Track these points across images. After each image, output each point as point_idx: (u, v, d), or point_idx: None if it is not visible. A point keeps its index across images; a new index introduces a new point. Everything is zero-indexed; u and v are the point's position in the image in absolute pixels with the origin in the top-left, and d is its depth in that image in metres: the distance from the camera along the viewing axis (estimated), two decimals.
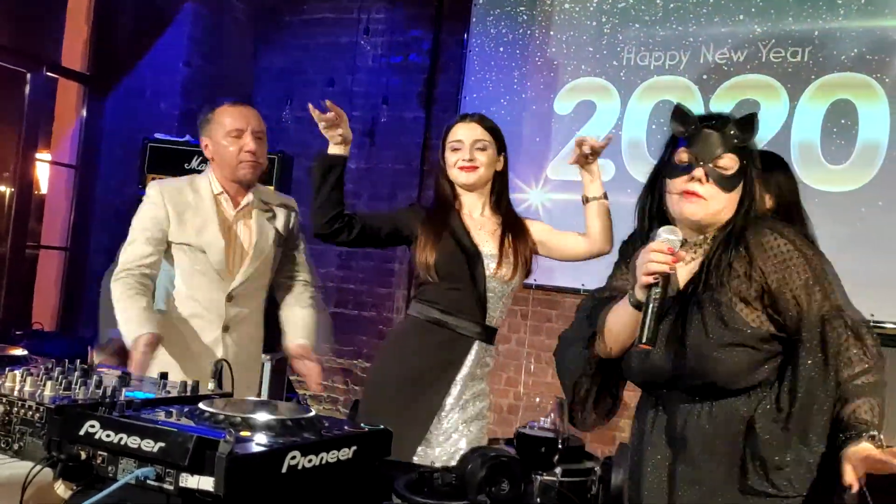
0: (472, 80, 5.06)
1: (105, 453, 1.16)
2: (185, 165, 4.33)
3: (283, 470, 1.17)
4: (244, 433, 1.21)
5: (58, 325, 5.21)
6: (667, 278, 1.54)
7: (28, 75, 4.80)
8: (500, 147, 2.40)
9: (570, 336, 1.77)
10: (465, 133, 2.35)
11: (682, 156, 1.65)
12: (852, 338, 1.53)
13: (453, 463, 2.01)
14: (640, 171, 4.47)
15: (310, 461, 1.22)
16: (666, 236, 1.57)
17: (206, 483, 1.09)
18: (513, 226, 2.37)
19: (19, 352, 1.65)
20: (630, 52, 4.61)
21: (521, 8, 4.94)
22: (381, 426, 1.41)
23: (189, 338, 2.40)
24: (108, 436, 1.15)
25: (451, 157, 2.34)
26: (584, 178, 2.31)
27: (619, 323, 1.65)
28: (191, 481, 1.10)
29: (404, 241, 2.41)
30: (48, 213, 5.29)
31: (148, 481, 1.12)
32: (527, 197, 4.62)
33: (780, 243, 1.60)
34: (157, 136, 4.47)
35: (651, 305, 1.51)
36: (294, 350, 2.50)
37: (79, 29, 5.21)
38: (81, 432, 1.17)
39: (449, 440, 2.20)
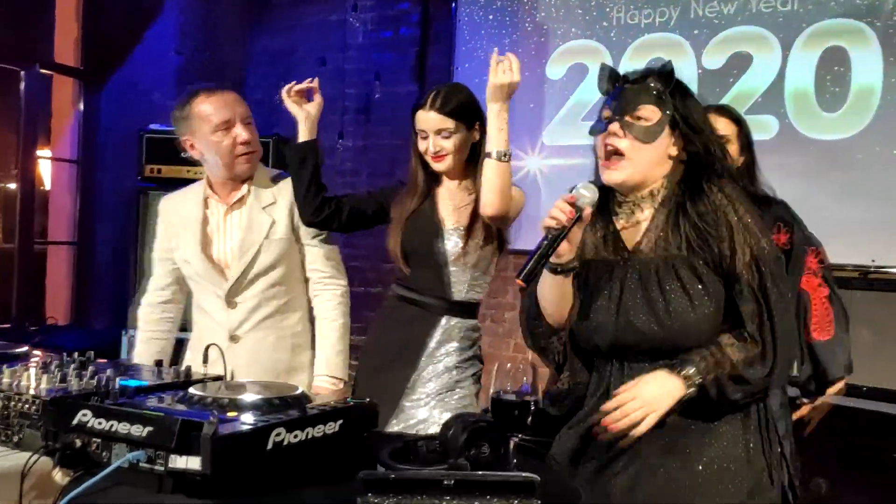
0: (463, 50, 5.05)
1: (98, 440, 1.21)
2: (182, 154, 4.37)
3: (269, 447, 1.22)
4: (231, 413, 1.26)
5: (71, 319, 5.30)
6: (563, 230, 1.53)
7: (22, 73, 4.85)
8: (471, 122, 2.27)
9: (525, 308, 1.77)
10: (426, 124, 2.24)
11: (605, 112, 1.66)
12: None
13: (432, 431, 2.06)
14: None
15: (295, 437, 1.27)
16: (579, 191, 1.56)
17: (193, 463, 1.14)
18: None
19: (19, 349, 1.71)
20: (619, 11, 4.58)
21: None
22: (367, 399, 1.46)
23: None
24: (100, 423, 1.20)
25: (420, 144, 2.27)
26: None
27: (545, 291, 1.67)
28: (179, 462, 1.15)
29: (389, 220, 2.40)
30: (53, 209, 5.36)
31: (140, 464, 1.17)
32: (524, 164, 4.63)
33: (717, 195, 1.61)
34: (153, 126, 4.50)
35: (540, 250, 1.52)
36: (314, 389, 2.26)
37: (69, 24, 5.24)
38: (75, 421, 1.22)
39: (421, 410, 2.22)
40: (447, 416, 2.09)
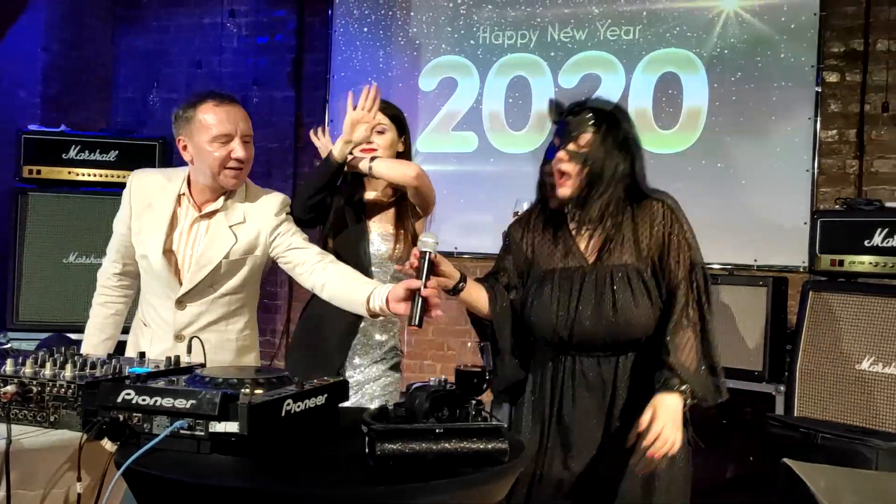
0: (339, 60, 5.34)
1: (140, 414, 1.46)
2: (63, 156, 4.40)
3: (283, 414, 1.52)
4: (244, 390, 1.55)
5: None
6: (421, 272, 1.86)
7: None
8: (402, 131, 2.62)
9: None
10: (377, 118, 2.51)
11: (555, 140, 2.02)
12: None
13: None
14: (500, 142, 4.97)
15: (299, 406, 1.57)
16: (421, 240, 1.91)
17: (232, 427, 1.42)
18: (402, 204, 2.63)
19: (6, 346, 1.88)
20: (485, 31, 5.05)
21: None
22: (342, 378, 1.78)
23: (151, 341, 2.34)
24: (143, 400, 1.45)
25: None
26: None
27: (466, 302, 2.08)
28: (219, 427, 1.43)
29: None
30: None
31: (181, 431, 1.44)
32: None
33: (660, 210, 1.99)
34: (32, 127, 4.48)
35: (414, 297, 1.86)
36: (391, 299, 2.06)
37: None
38: (119, 400, 1.46)
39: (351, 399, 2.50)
40: (373, 404, 2.44)
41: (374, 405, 2.46)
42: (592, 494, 2.00)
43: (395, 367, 2.64)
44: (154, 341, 2.32)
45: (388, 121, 2.59)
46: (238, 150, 2.24)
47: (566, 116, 2.02)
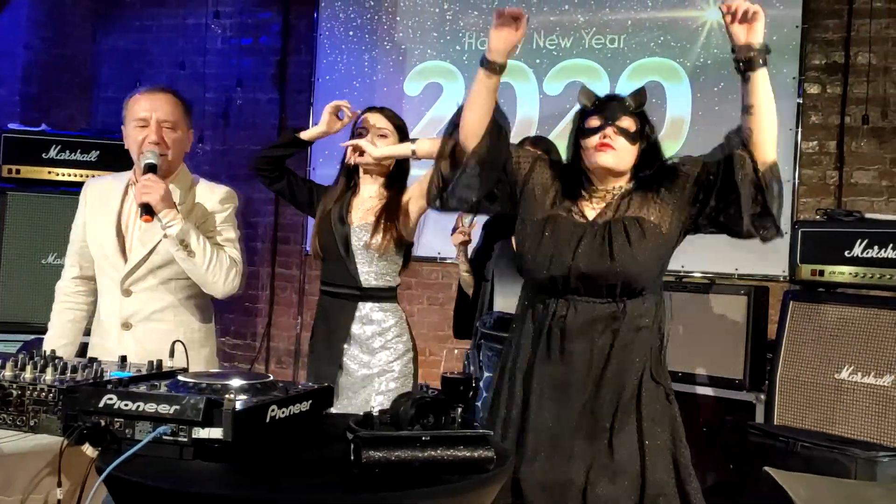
0: (324, 63, 5.33)
1: (122, 419, 1.44)
2: (44, 155, 4.35)
3: (267, 420, 1.51)
4: (228, 395, 1.53)
5: None
6: None
7: None
8: (403, 139, 2.70)
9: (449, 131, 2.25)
10: (372, 121, 2.68)
11: (593, 121, 2.13)
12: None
13: (369, 408, 2.40)
14: None
15: (283, 412, 1.56)
16: None
17: (216, 433, 1.41)
18: (391, 204, 2.67)
19: None
20: (471, 37, 5.06)
21: None
22: (326, 384, 1.77)
23: (102, 336, 2.42)
24: (125, 405, 1.43)
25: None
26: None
27: (477, 100, 2.15)
28: (202, 433, 1.41)
29: (309, 211, 2.79)
30: None
31: (164, 437, 1.42)
32: None
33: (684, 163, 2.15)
34: (11, 126, 4.42)
35: None
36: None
37: None
38: (101, 404, 1.44)
39: (358, 393, 2.57)
40: (380, 399, 2.46)
41: (377, 403, 2.53)
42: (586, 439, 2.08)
43: (406, 360, 2.65)
44: (104, 335, 2.41)
45: (392, 127, 2.70)
46: (151, 134, 2.35)
47: (606, 100, 2.16)
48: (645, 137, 2.15)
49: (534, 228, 2.17)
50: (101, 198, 2.47)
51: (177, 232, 2.25)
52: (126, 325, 2.37)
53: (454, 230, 3.23)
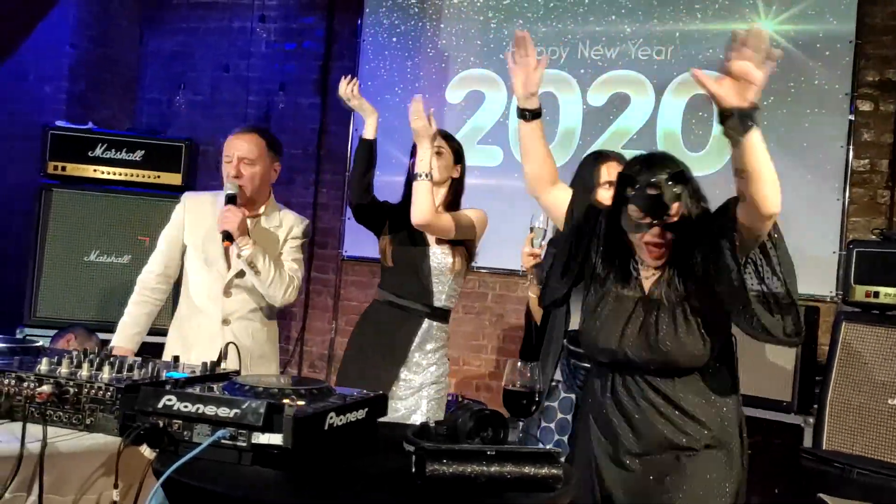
0: (367, 69, 5.31)
1: (180, 421, 1.41)
2: (90, 153, 4.37)
3: (325, 427, 1.47)
4: (286, 400, 1.50)
5: None
6: None
7: None
8: (458, 160, 2.83)
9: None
10: (438, 142, 2.76)
11: (637, 214, 1.97)
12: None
13: (415, 417, 2.40)
14: None
15: (341, 420, 1.52)
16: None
17: (275, 439, 1.38)
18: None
19: (39, 343, 1.84)
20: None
21: (413, 0, 5.23)
22: (381, 392, 1.73)
23: (194, 329, 2.76)
24: (185, 406, 1.41)
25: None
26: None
27: (530, 149, 2.16)
28: (262, 438, 1.38)
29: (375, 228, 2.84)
30: None
31: (223, 441, 1.39)
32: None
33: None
34: (58, 123, 4.46)
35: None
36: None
37: None
38: (160, 405, 1.41)
39: (408, 400, 2.59)
40: (425, 405, 2.46)
41: (426, 408, 2.64)
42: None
43: (446, 371, 2.77)
44: (198, 329, 2.73)
45: (448, 148, 2.80)
46: (231, 169, 2.72)
47: (647, 190, 1.96)
48: (694, 203, 1.98)
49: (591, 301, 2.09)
50: (204, 211, 2.78)
51: (248, 255, 2.63)
52: (226, 321, 2.73)
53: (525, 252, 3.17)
